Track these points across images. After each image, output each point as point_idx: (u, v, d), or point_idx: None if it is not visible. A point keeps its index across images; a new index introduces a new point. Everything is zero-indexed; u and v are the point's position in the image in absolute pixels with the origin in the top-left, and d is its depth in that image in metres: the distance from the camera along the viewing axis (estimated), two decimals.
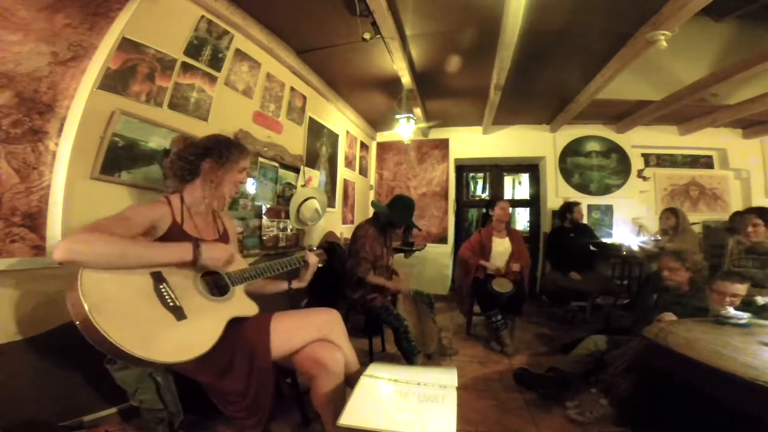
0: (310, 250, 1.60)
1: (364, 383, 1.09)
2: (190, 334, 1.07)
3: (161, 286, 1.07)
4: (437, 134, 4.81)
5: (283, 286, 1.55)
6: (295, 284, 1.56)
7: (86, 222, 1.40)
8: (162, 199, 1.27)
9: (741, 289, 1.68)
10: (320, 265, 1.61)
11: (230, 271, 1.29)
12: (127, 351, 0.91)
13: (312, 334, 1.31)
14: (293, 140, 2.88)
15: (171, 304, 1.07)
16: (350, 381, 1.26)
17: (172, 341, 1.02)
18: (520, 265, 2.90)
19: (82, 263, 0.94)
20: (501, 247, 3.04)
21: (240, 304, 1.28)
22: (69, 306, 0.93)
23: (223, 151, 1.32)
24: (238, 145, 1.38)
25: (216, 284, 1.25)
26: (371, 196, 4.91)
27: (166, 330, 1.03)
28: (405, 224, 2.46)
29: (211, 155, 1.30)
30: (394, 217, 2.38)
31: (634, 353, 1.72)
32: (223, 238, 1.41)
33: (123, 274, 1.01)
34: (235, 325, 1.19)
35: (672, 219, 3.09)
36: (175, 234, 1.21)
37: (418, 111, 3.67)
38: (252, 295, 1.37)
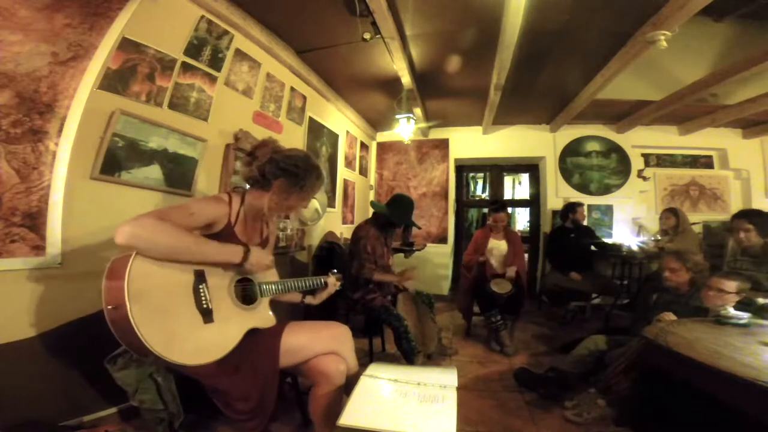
0: (332, 273, 1.66)
1: (364, 383, 1.08)
2: (211, 339, 1.09)
3: (200, 286, 1.09)
4: (437, 134, 4.80)
5: (297, 297, 1.60)
6: (308, 300, 1.61)
7: (86, 222, 1.42)
8: (224, 197, 1.25)
9: (729, 285, 1.68)
10: (337, 288, 1.66)
11: (262, 282, 1.31)
12: (149, 347, 0.92)
13: (321, 347, 1.32)
14: (293, 140, 2.88)
15: (204, 306, 1.09)
16: (348, 387, 1.27)
17: (193, 344, 1.04)
18: (515, 269, 2.89)
19: (142, 250, 0.96)
20: (497, 249, 3.06)
21: (262, 315, 1.31)
22: (105, 290, 0.94)
23: (301, 179, 1.27)
24: (318, 177, 1.33)
25: (245, 291, 1.27)
26: (371, 196, 4.91)
27: (191, 331, 1.04)
28: (405, 223, 2.46)
29: (288, 177, 1.25)
30: (394, 217, 2.38)
31: (634, 353, 1.72)
32: (264, 243, 1.41)
33: (169, 267, 1.03)
34: (250, 332, 1.22)
35: (672, 219, 3.10)
36: (226, 234, 1.22)
37: (418, 111, 3.67)
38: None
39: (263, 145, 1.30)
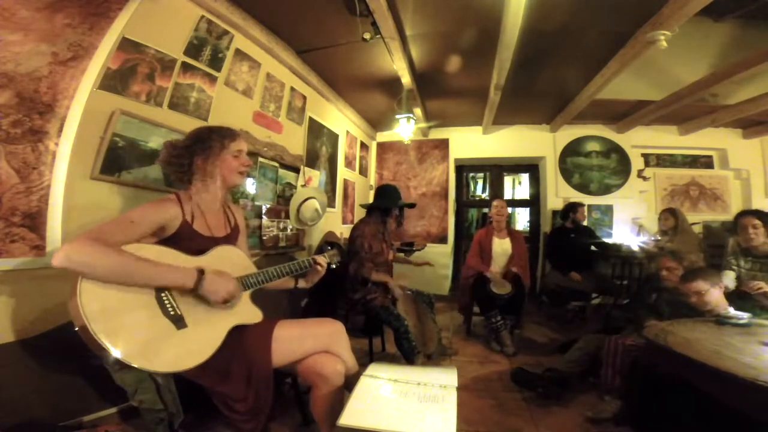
0: (325, 251, 1.57)
1: (364, 383, 1.09)
2: (189, 344, 1.06)
3: (163, 295, 1.06)
4: (437, 134, 4.81)
5: (290, 284, 1.53)
6: (301, 284, 1.55)
7: (86, 223, 1.42)
8: (171, 197, 1.22)
9: (702, 285, 1.68)
10: (334, 266, 1.57)
11: (237, 277, 1.24)
12: (124, 361, 0.91)
13: (315, 345, 1.30)
14: (293, 140, 2.88)
15: (172, 313, 1.05)
16: (349, 385, 1.26)
17: (171, 351, 1.02)
18: (518, 269, 2.89)
19: (81, 274, 0.93)
20: (501, 248, 3.04)
21: (244, 312, 1.25)
22: (70, 310, 0.93)
23: (204, 143, 1.25)
24: (219, 131, 1.29)
25: None
26: (371, 196, 4.91)
27: (165, 340, 1.02)
28: (397, 205, 2.44)
29: (196, 152, 1.24)
30: (385, 203, 2.38)
31: (626, 351, 1.73)
32: (234, 232, 1.39)
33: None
34: (237, 330, 1.18)
35: (671, 219, 3.09)
36: (185, 233, 1.18)
37: (418, 111, 3.67)
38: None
39: (164, 147, 1.31)
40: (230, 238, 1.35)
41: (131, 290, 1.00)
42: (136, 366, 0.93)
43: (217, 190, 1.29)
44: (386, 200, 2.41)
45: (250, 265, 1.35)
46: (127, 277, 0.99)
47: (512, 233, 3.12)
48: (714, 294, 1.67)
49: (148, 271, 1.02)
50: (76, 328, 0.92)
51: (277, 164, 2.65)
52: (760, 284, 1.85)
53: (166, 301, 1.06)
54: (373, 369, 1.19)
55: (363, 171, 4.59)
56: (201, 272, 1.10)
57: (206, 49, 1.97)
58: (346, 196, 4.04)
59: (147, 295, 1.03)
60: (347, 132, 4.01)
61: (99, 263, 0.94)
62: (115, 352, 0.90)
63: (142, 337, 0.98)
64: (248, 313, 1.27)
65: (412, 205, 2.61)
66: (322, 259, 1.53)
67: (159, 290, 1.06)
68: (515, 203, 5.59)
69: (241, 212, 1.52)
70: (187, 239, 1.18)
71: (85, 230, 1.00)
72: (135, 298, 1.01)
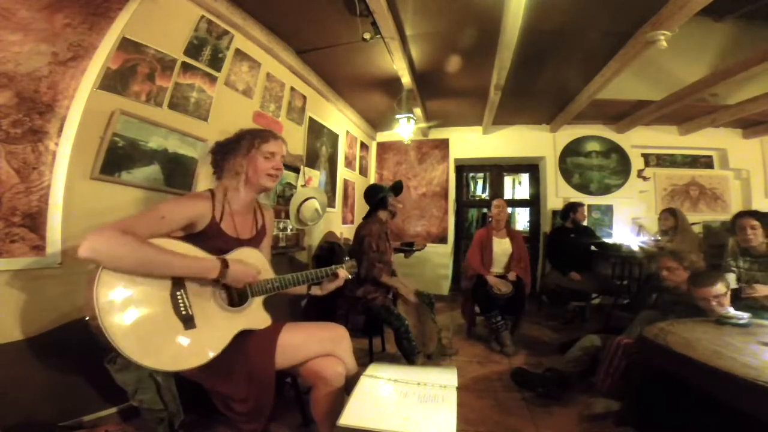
0: (344, 262, 1.57)
1: (364, 383, 1.09)
2: (194, 345, 1.06)
3: (178, 293, 1.06)
4: (437, 134, 4.81)
5: (302, 289, 1.53)
6: (314, 290, 1.54)
7: (86, 223, 1.42)
8: (206, 193, 1.24)
9: (721, 287, 1.67)
10: (350, 277, 1.57)
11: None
12: (128, 357, 0.92)
13: (318, 349, 1.30)
14: (293, 140, 2.88)
15: (184, 312, 1.06)
16: (348, 388, 1.26)
17: (174, 351, 1.02)
18: (517, 272, 2.89)
19: (104, 265, 0.93)
20: (500, 248, 3.04)
21: (254, 316, 1.25)
22: (84, 300, 0.94)
23: (239, 141, 1.28)
24: (254, 131, 1.32)
25: (238, 291, 1.22)
26: None
27: (171, 339, 1.02)
28: (393, 192, 2.48)
29: (229, 150, 1.28)
30: (380, 194, 2.40)
31: (621, 354, 1.72)
32: (260, 234, 1.39)
33: (142, 276, 1.00)
34: (242, 333, 1.18)
35: (671, 219, 3.09)
36: (212, 231, 1.19)
37: (418, 111, 3.67)
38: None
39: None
40: (255, 241, 1.35)
41: (148, 286, 1.01)
42: (137, 362, 0.93)
43: (246, 191, 1.29)
44: (379, 193, 2.43)
45: (269, 270, 1.35)
46: (151, 270, 1.00)
47: (512, 233, 3.12)
48: (727, 297, 1.68)
49: (172, 264, 1.03)
50: (87, 318, 0.93)
51: None
52: (755, 288, 1.86)
53: (180, 301, 1.06)
54: (373, 369, 1.19)
55: (363, 171, 4.59)
56: (225, 264, 1.11)
57: (206, 49, 1.97)
58: (346, 196, 4.03)
59: (162, 292, 1.04)
60: (347, 132, 4.01)
61: (123, 255, 0.94)
62: (119, 346, 0.91)
63: (149, 334, 0.98)
64: (257, 318, 1.26)
65: (399, 183, 2.62)
66: (343, 272, 1.52)
67: (175, 288, 1.06)
68: (515, 203, 5.59)
69: (271, 214, 1.52)
70: (212, 238, 1.19)
71: (113, 222, 0.99)
72: (150, 294, 1.01)
